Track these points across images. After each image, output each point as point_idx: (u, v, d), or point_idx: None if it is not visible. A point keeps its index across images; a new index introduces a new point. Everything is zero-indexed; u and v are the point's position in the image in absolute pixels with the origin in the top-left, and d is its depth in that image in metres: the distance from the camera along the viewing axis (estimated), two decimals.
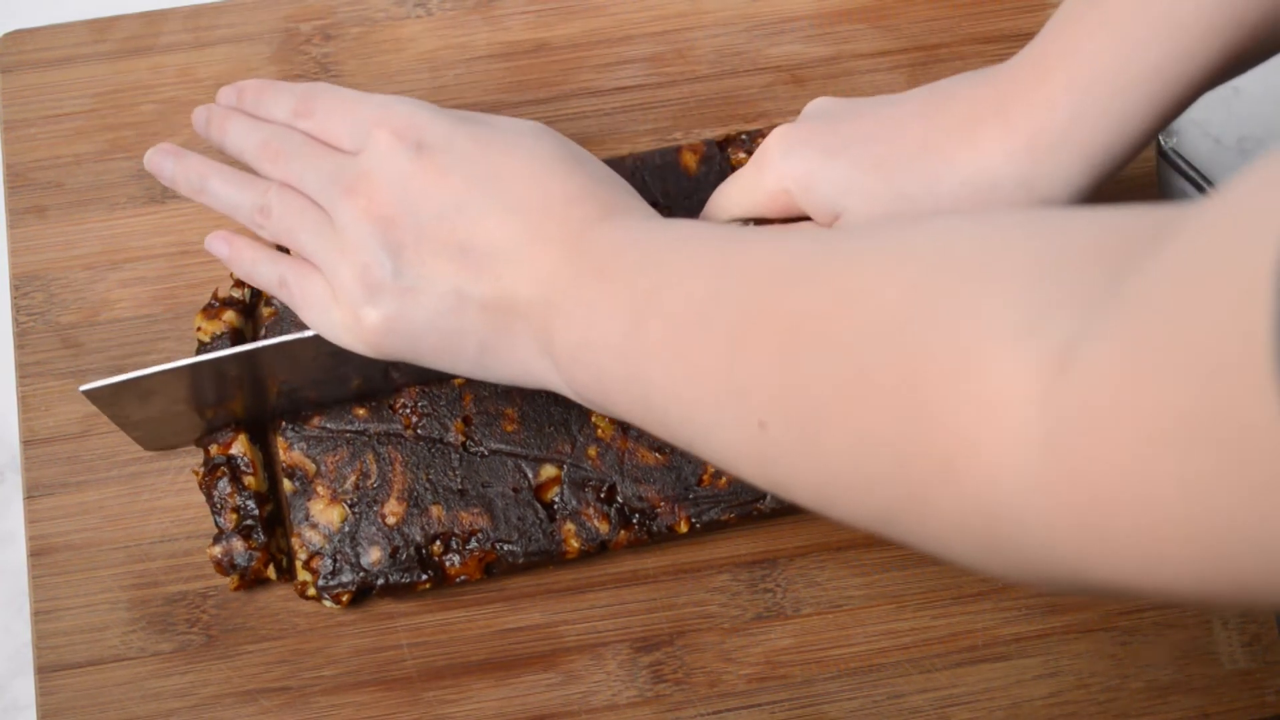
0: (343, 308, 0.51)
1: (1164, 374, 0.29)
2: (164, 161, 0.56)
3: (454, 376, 0.61)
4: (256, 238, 0.56)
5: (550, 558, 0.59)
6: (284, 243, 0.53)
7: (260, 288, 0.55)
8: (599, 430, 0.61)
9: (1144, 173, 0.67)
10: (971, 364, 0.35)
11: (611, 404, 0.47)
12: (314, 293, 0.52)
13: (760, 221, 0.54)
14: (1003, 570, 0.37)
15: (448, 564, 0.59)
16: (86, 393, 0.55)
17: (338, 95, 0.53)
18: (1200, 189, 0.68)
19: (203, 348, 0.61)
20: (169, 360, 0.57)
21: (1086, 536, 0.32)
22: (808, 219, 0.53)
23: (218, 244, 0.56)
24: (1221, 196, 0.29)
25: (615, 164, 0.63)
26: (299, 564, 0.59)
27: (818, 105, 0.55)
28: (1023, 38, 0.60)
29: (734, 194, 0.55)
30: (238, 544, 0.59)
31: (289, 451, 0.60)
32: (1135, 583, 0.32)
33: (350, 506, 0.60)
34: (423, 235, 0.49)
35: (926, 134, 0.50)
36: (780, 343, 0.40)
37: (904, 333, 0.37)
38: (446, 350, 0.50)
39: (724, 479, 0.60)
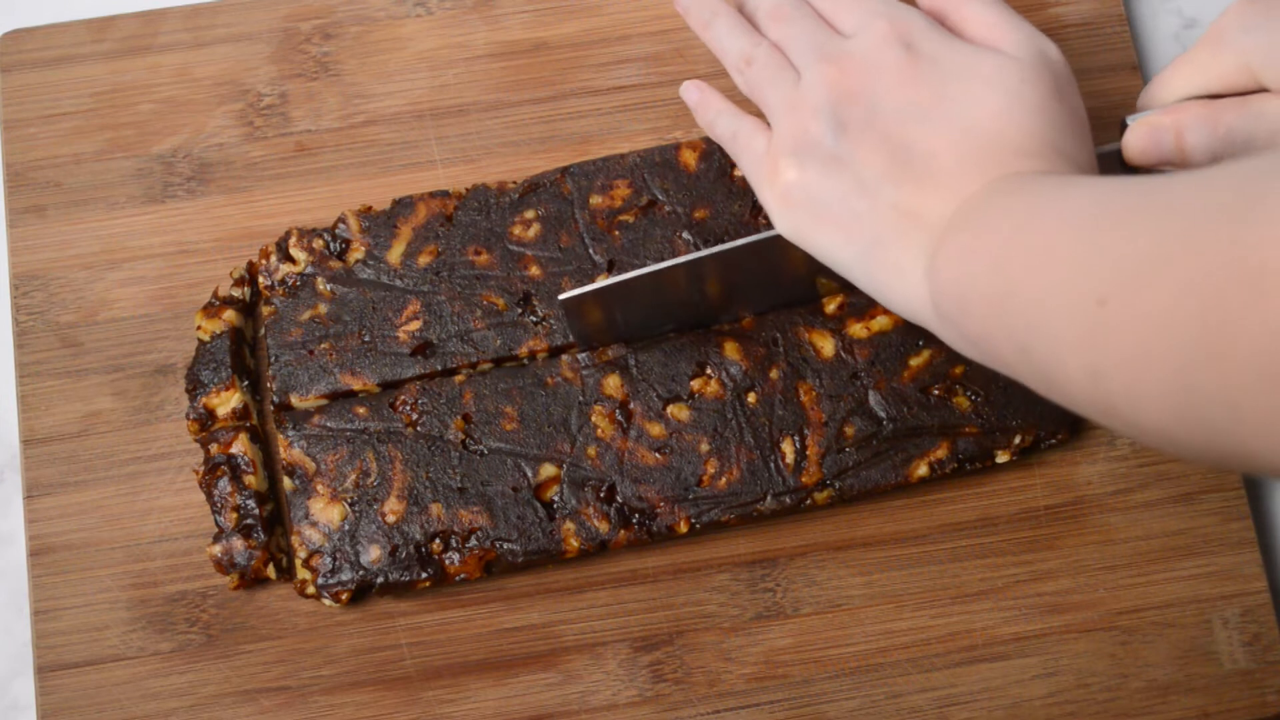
0: (770, 158, 0.54)
1: None
2: None
3: (456, 373, 0.61)
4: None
5: (550, 557, 0.59)
6: (751, 94, 0.56)
7: (714, 137, 0.58)
8: (599, 430, 0.61)
9: None
10: None
11: (968, 316, 0.48)
12: (756, 146, 0.55)
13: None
14: None
15: (447, 562, 0.59)
16: (563, 301, 0.58)
17: None
18: None
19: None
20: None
21: None
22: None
23: (691, 91, 0.59)
24: None
25: (615, 162, 0.63)
26: (299, 562, 0.59)
27: None
28: None
29: (1185, 72, 0.54)
30: (238, 543, 0.59)
31: (289, 450, 0.60)
32: None
33: (350, 505, 0.60)
34: (873, 123, 0.52)
35: None
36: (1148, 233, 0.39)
37: None
38: (840, 230, 0.52)
39: (723, 479, 0.60)
